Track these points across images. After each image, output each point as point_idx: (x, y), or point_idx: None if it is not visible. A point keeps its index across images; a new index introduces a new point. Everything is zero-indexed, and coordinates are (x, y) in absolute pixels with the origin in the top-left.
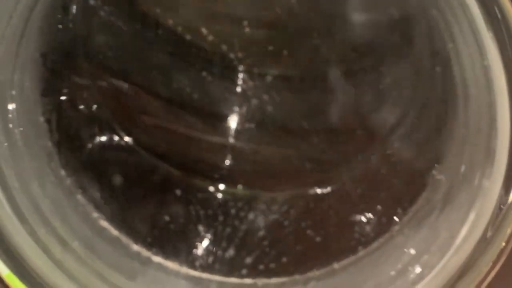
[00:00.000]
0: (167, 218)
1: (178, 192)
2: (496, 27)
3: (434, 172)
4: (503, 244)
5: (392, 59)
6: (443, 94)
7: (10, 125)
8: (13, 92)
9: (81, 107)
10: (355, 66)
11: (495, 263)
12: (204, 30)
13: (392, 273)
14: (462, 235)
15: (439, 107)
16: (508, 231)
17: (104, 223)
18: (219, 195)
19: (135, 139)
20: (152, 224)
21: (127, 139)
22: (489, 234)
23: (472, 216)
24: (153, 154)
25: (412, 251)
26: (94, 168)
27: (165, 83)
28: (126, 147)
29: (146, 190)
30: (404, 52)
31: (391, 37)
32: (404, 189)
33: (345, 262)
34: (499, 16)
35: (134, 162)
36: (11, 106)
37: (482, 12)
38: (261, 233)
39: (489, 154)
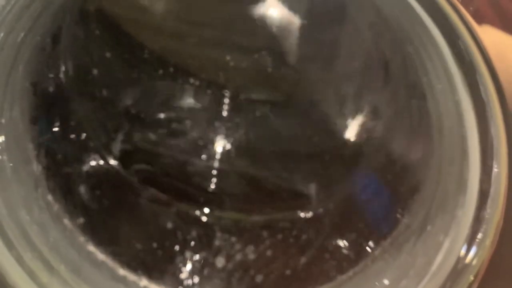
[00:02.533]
0: (153, 242)
1: (164, 216)
2: (463, 65)
3: (412, 199)
4: (471, 278)
5: (371, 88)
6: (419, 126)
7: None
8: (2, 120)
9: (71, 136)
10: (337, 93)
11: None
12: (189, 56)
13: None
14: (438, 261)
15: (416, 138)
16: (478, 263)
17: (91, 247)
18: (204, 219)
19: (121, 164)
20: (138, 248)
21: (114, 163)
22: (460, 265)
23: (447, 244)
24: (139, 178)
25: (386, 282)
26: (81, 193)
27: (152, 107)
28: (113, 172)
29: (133, 214)
30: (383, 82)
31: (371, 67)
32: (383, 215)
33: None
34: (466, 56)
35: (121, 186)
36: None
37: (452, 51)
38: (244, 256)
39: (462, 184)
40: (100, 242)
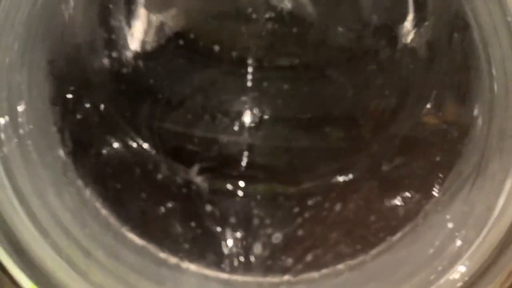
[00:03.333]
0: (190, 222)
1: (199, 194)
2: None
3: (464, 142)
4: None
5: (402, 30)
6: (464, 61)
7: (22, 138)
8: (22, 104)
9: (95, 117)
10: (363, 45)
11: None
12: (209, 30)
13: (431, 251)
14: (499, 206)
15: (462, 74)
16: None
17: (127, 231)
18: (240, 193)
19: (151, 144)
20: (177, 229)
21: (142, 144)
22: None
23: (508, 186)
24: (170, 158)
25: (450, 225)
26: (111, 176)
27: (177, 85)
28: (142, 153)
29: (166, 195)
30: (418, 21)
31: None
32: (431, 167)
33: (378, 249)
34: None
35: (152, 167)
36: (21, 118)
37: None
38: (288, 228)
39: None
40: (136, 226)
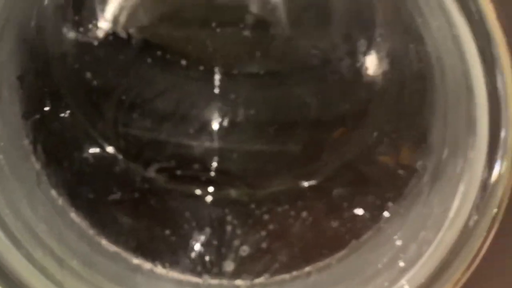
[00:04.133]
0: (162, 227)
1: (170, 200)
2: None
3: (421, 149)
4: (495, 210)
5: (365, 42)
6: (420, 70)
7: None
8: None
9: (67, 128)
10: (328, 56)
11: (489, 231)
12: (178, 36)
13: (393, 252)
14: (455, 208)
15: (417, 83)
16: (498, 200)
17: (101, 239)
18: (209, 198)
19: (120, 151)
20: (149, 235)
21: (112, 151)
22: (480, 204)
23: (462, 188)
24: (140, 164)
25: (411, 227)
26: (83, 185)
27: (144, 92)
28: (112, 160)
29: (138, 202)
30: (376, 33)
31: (361, 20)
32: (393, 171)
33: (343, 252)
34: None
35: (122, 174)
36: None
37: None
38: (254, 232)
39: (471, 124)
40: (109, 233)
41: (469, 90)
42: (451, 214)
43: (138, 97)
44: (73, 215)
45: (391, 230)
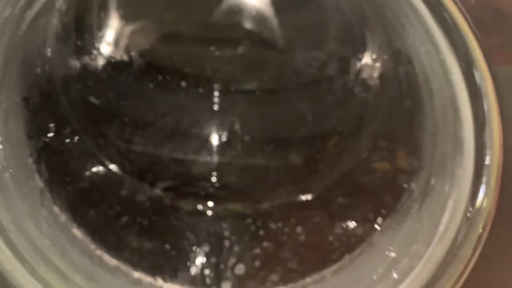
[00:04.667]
0: (162, 242)
1: (170, 215)
2: (444, 25)
3: (412, 166)
4: (482, 225)
5: (356, 63)
6: (409, 91)
7: (0, 169)
8: None
9: (70, 146)
10: (322, 73)
11: (477, 244)
12: (176, 58)
13: (386, 265)
14: (444, 222)
15: (406, 102)
16: (485, 215)
17: (103, 254)
18: (209, 213)
19: (122, 168)
20: (149, 249)
21: (114, 168)
22: (468, 219)
23: (451, 204)
24: (141, 180)
25: (396, 250)
26: (86, 202)
27: (146, 111)
28: (114, 177)
29: (139, 217)
30: (367, 55)
31: (352, 41)
32: (386, 186)
33: (338, 264)
34: (445, 14)
35: (124, 190)
36: None
37: (430, 12)
38: (253, 246)
39: (458, 143)
40: (111, 248)
41: (455, 111)
42: (441, 228)
43: (141, 117)
44: (76, 231)
45: (383, 244)
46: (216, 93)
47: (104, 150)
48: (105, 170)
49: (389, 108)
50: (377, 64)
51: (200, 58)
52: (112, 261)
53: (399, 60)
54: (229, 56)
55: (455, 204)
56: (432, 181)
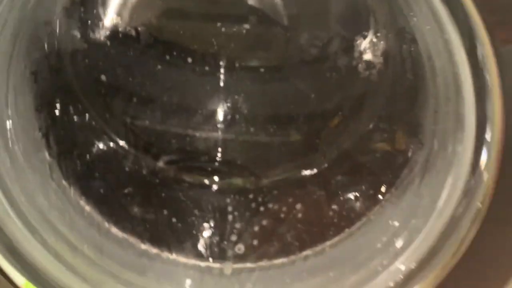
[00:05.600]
0: (168, 214)
1: (176, 188)
2: (449, 2)
3: (413, 142)
4: (479, 204)
5: (360, 41)
6: (412, 69)
7: (10, 143)
8: (9, 111)
9: (78, 120)
10: (326, 51)
11: (475, 219)
12: (181, 31)
13: (384, 239)
14: (443, 198)
15: (410, 80)
16: (483, 191)
17: (110, 226)
18: (215, 187)
19: (130, 144)
20: (156, 222)
21: (121, 143)
22: (466, 195)
23: (450, 180)
24: (150, 156)
25: (402, 215)
26: (94, 175)
27: (152, 86)
28: (122, 153)
29: (146, 190)
30: (372, 31)
31: (356, 20)
32: (386, 162)
33: (338, 237)
34: None
35: (131, 164)
36: (8, 125)
37: None
38: (256, 220)
39: (459, 120)
40: (118, 220)
41: (457, 89)
42: (440, 204)
43: (146, 92)
44: (83, 203)
45: (382, 218)
46: (221, 70)
47: (110, 124)
48: (113, 145)
49: (392, 87)
50: (381, 43)
51: (206, 34)
52: (119, 233)
53: (403, 39)
54: (235, 32)
55: (454, 180)
56: (432, 158)
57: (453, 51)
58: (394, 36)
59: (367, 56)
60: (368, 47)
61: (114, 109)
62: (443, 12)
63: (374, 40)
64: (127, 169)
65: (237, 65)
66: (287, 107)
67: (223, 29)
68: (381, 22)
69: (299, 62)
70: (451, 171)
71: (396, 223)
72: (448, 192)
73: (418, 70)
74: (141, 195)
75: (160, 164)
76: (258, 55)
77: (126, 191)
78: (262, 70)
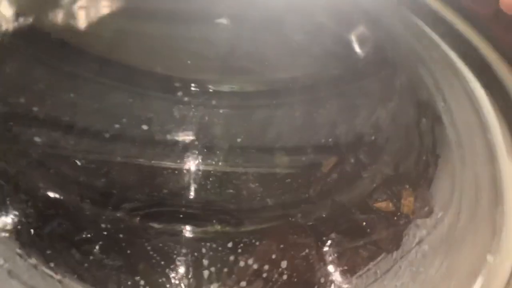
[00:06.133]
0: (132, 269)
1: (141, 237)
2: (496, 97)
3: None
4: None
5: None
6: (432, 148)
7: None
8: None
9: None
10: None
11: None
12: (139, 43)
13: None
14: None
15: (428, 159)
16: None
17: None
18: (186, 236)
19: (82, 198)
20: (129, 278)
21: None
22: None
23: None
24: (102, 205)
25: None
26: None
27: (103, 117)
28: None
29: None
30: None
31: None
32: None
33: None
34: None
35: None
36: None
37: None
38: (237, 268)
39: (493, 227)
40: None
41: (497, 196)
42: None
43: (96, 125)
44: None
45: None
46: (193, 94)
47: (50, 177)
48: (59, 201)
49: (405, 152)
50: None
51: (170, 51)
52: None
53: (423, 112)
54: (208, 52)
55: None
56: (452, 251)
57: (495, 154)
58: (411, 107)
59: (376, 119)
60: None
61: (62, 152)
62: (486, 105)
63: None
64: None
65: (211, 89)
66: (273, 137)
67: (194, 49)
68: (396, 88)
69: (288, 87)
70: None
71: None
72: None
73: (442, 151)
74: (100, 248)
75: (124, 214)
76: (235, 79)
77: (82, 246)
78: (240, 94)
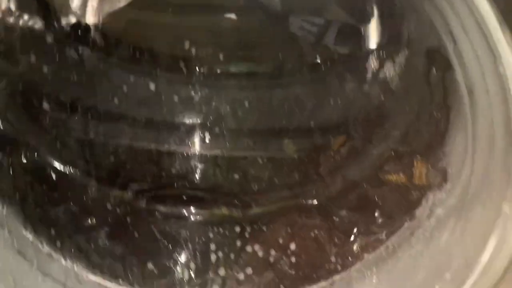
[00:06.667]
0: (140, 253)
1: (148, 221)
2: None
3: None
4: None
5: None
6: (443, 101)
7: None
8: None
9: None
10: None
11: None
12: (149, 28)
13: None
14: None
15: (439, 115)
16: None
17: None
18: (193, 219)
19: (90, 175)
20: (136, 262)
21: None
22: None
23: (492, 243)
24: (109, 184)
25: None
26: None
27: (113, 99)
28: (77, 183)
29: (113, 225)
30: (392, 52)
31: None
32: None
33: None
34: None
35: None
36: None
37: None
38: (241, 259)
39: (509, 173)
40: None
41: (509, 136)
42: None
43: (108, 107)
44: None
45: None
46: (200, 77)
47: (62, 152)
48: (65, 177)
49: (415, 114)
50: (401, 63)
51: (178, 32)
52: (91, 276)
53: (433, 62)
54: (215, 28)
55: (498, 244)
56: (465, 210)
57: (508, 92)
58: (420, 58)
59: (383, 77)
60: (384, 66)
61: (67, 130)
62: (499, 37)
63: (393, 59)
64: (92, 205)
65: (218, 71)
66: (281, 119)
67: (199, 23)
68: (403, 38)
69: (297, 66)
70: (493, 233)
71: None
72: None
73: (452, 102)
74: (109, 232)
75: (131, 196)
76: (245, 57)
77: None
78: (248, 76)
